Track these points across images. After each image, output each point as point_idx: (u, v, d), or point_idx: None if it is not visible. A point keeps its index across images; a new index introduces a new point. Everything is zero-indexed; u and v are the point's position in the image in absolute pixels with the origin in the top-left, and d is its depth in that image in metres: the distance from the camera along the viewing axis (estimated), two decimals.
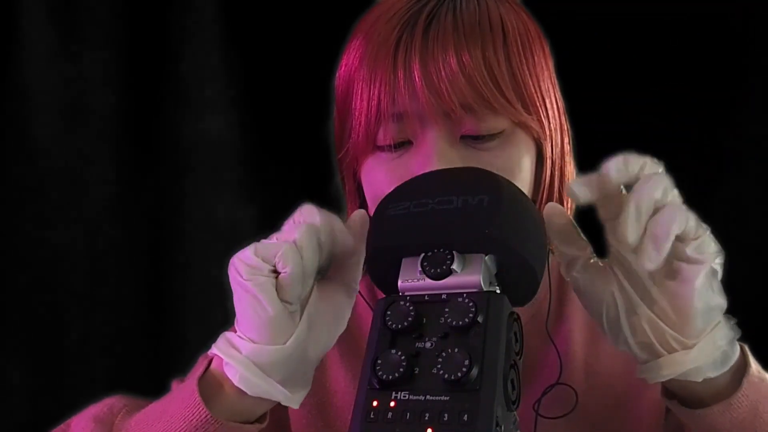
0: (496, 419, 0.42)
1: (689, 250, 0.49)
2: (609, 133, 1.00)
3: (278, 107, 1.20)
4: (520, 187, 0.55)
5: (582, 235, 0.55)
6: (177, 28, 1.20)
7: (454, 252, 0.48)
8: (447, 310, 0.46)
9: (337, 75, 0.67)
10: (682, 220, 0.48)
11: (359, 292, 0.59)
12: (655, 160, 0.51)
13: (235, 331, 0.53)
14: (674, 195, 0.50)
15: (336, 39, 0.68)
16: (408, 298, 0.48)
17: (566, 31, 0.80)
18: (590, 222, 0.54)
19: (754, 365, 0.56)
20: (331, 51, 0.69)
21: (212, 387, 0.54)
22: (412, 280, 0.50)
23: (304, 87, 1.03)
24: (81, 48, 1.18)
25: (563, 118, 0.67)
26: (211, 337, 0.54)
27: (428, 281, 0.49)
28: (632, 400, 0.70)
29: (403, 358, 0.45)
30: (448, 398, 0.43)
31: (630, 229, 0.48)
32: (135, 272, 1.22)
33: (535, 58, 0.63)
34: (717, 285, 0.50)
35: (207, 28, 1.20)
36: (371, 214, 0.56)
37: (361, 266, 0.56)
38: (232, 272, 0.51)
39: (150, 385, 0.67)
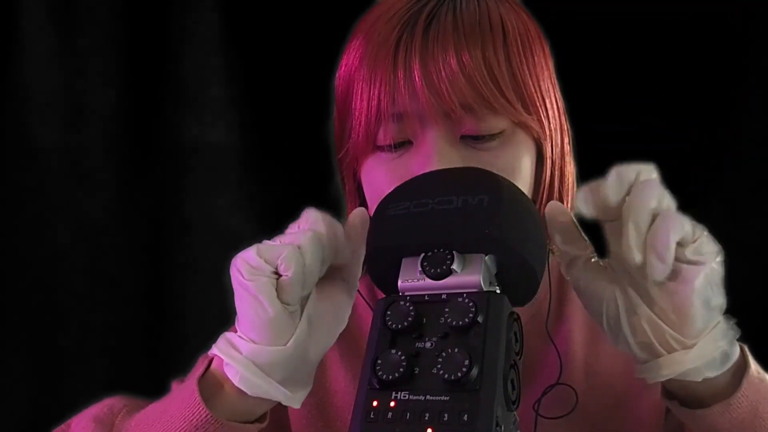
0: (496, 419, 0.42)
1: (689, 253, 0.49)
2: (609, 133, 1.01)
3: (278, 107, 1.20)
4: (520, 187, 0.55)
5: (583, 234, 0.55)
6: (177, 28, 1.20)
7: (454, 252, 0.48)
8: (447, 310, 0.46)
9: (337, 75, 0.67)
10: (679, 227, 0.48)
11: (359, 292, 0.59)
12: (648, 165, 0.52)
13: (236, 331, 0.53)
14: (668, 201, 0.50)
15: (336, 39, 0.68)
16: (408, 298, 0.48)
17: (566, 31, 0.80)
18: (590, 221, 0.55)
19: (754, 365, 0.56)
20: (331, 51, 0.69)
21: (212, 387, 0.54)
22: (412, 280, 0.50)
23: (304, 87, 1.03)
24: (81, 48, 1.18)
25: (563, 118, 0.67)
26: (211, 337, 0.54)
27: (428, 281, 0.49)
28: (632, 400, 0.70)
29: (403, 358, 0.45)
30: (448, 398, 0.43)
31: (634, 250, 0.49)
32: (135, 272, 1.22)
33: (535, 58, 0.63)
34: (717, 285, 0.50)
35: (207, 28, 1.20)
36: (371, 214, 0.56)
37: (361, 266, 0.56)
38: (233, 272, 0.51)
39: (150, 385, 0.67)
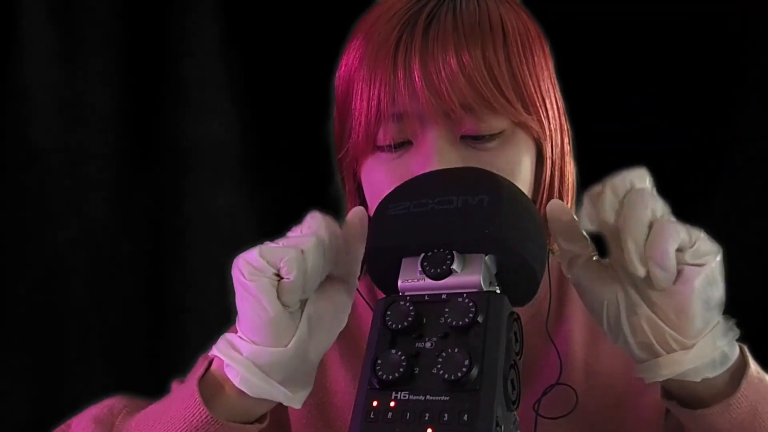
0: (496, 419, 0.42)
1: (688, 257, 0.50)
2: (609, 133, 1.01)
3: (278, 107, 1.20)
4: (520, 187, 0.55)
5: (584, 233, 0.55)
6: (177, 28, 1.20)
7: (454, 252, 0.48)
8: (447, 310, 0.46)
9: (337, 75, 0.67)
10: (675, 235, 0.49)
11: (359, 292, 0.59)
12: (640, 171, 0.52)
13: (236, 332, 0.53)
14: (662, 209, 0.51)
15: (336, 39, 0.68)
16: (408, 298, 0.48)
17: (566, 31, 0.80)
18: None
19: (754, 366, 0.56)
20: (331, 51, 0.69)
21: (212, 388, 0.54)
22: (412, 280, 0.50)
23: (304, 87, 1.03)
24: (81, 48, 1.18)
25: (563, 118, 0.67)
26: (211, 337, 0.54)
27: (428, 281, 0.49)
28: (632, 400, 0.70)
29: (403, 358, 0.45)
30: (448, 398, 0.43)
31: (636, 264, 0.49)
32: (135, 272, 1.22)
33: (535, 58, 0.63)
34: (717, 285, 0.51)
35: (207, 28, 1.20)
36: (371, 214, 0.56)
37: (361, 266, 0.56)
38: (235, 272, 0.51)
39: (150, 385, 0.67)
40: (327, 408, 0.72)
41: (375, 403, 0.45)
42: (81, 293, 1.20)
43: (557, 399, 0.65)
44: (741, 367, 0.55)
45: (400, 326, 0.47)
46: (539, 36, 0.65)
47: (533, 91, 0.62)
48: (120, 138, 1.20)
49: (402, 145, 0.62)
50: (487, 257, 0.49)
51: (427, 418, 0.43)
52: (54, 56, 1.18)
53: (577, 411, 0.64)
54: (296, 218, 0.57)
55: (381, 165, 0.63)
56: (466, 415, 0.42)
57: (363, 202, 0.68)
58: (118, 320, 1.22)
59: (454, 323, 0.45)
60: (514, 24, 0.62)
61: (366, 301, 0.72)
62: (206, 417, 0.53)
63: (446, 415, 0.43)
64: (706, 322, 0.50)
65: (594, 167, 0.64)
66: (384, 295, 0.52)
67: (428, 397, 0.44)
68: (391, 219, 0.52)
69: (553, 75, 0.66)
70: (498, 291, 0.49)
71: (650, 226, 0.49)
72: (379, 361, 0.46)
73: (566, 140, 0.68)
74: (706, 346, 0.50)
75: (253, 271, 0.50)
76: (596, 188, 0.53)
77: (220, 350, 0.53)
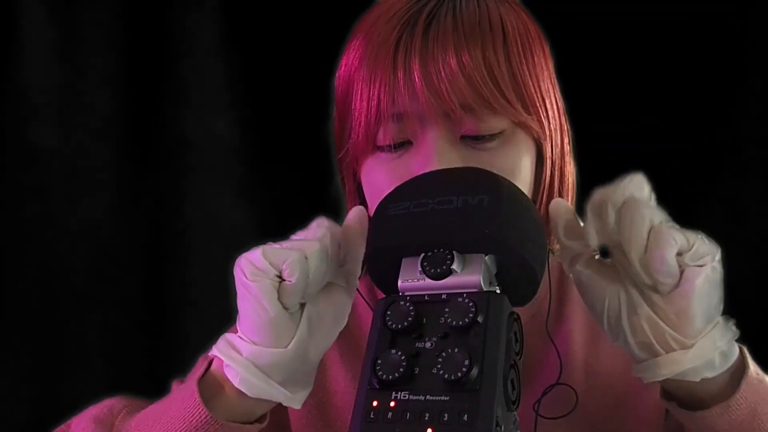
0: (496, 419, 0.42)
1: (688, 259, 0.50)
2: (609, 133, 1.01)
3: (278, 107, 1.20)
4: (520, 187, 0.55)
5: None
6: (177, 28, 1.20)
7: (454, 252, 0.48)
8: (447, 310, 0.46)
9: (337, 75, 0.67)
10: (673, 242, 0.49)
11: (359, 292, 0.59)
12: (635, 179, 0.53)
13: (236, 332, 0.53)
14: (659, 216, 0.51)
15: (336, 39, 0.68)
16: (408, 298, 0.48)
17: (566, 31, 0.80)
18: None
19: (753, 367, 0.56)
20: (331, 51, 0.69)
21: (212, 388, 0.54)
22: (412, 280, 0.50)
23: (304, 87, 1.03)
24: (81, 48, 1.18)
25: (563, 118, 0.67)
26: (211, 337, 0.54)
27: (428, 281, 0.49)
28: (632, 400, 0.70)
29: (403, 358, 0.45)
30: (448, 398, 0.43)
31: (641, 274, 0.50)
32: (135, 272, 1.22)
33: (535, 58, 0.63)
34: (716, 285, 0.51)
35: (207, 28, 1.20)
36: (371, 214, 0.56)
37: (361, 266, 0.56)
38: (237, 272, 0.51)
39: (150, 385, 0.67)
40: (327, 408, 0.72)
41: (375, 403, 0.45)
42: (81, 293, 1.20)
43: (557, 399, 0.65)
44: (740, 368, 0.55)
45: (400, 326, 0.47)
46: (539, 36, 0.65)
47: (533, 91, 0.62)
48: (120, 138, 1.20)
49: (402, 145, 0.62)
50: (487, 257, 0.49)
51: (427, 418, 0.43)
52: (54, 56, 1.18)
53: (577, 411, 0.64)
54: (296, 218, 0.57)
55: (381, 165, 0.63)
56: (466, 415, 0.42)
57: (363, 202, 0.68)
58: (118, 320, 1.22)
59: (454, 323, 0.45)
60: (514, 24, 0.62)
61: (366, 301, 0.72)
62: (206, 417, 0.53)
63: (446, 415, 0.43)
64: (706, 322, 0.51)
65: (594, 167, 0.64)
66: (384, 295, 0.52)
67: (428, 397, 0.44)
68: (391, 219, 0.52)
69: (553, 75, 0.66)
70: (498, 291, 0.49)
71: (649, 235, 0.50)
72: (379, 361, 0.46)
73: (566, 140, 0.68)
74: (706, 346, 0.50)
75: (255, 271, 0.50)
76: (597, 198, 0.53)
77: (220, 350, 0.53)
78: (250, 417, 0.56)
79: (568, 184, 0.68)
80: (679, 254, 0.50)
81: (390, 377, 0.45)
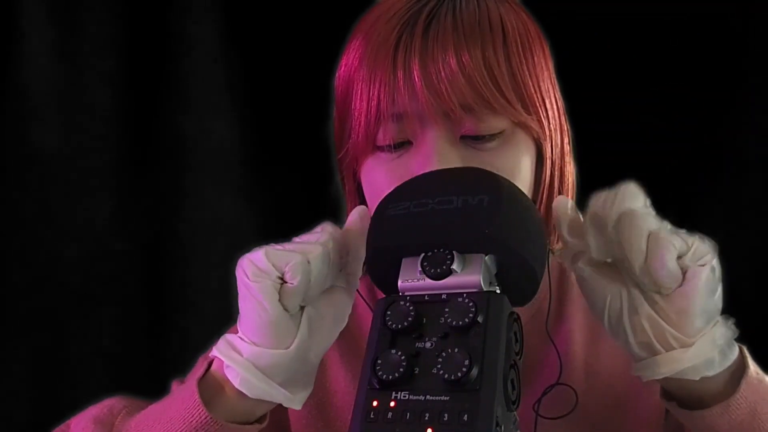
0: (496, 419, 0.42)
1: (688, 261, 0.50)
2: (609, 133, 1.01)
3: (278, 107, 1.20)
4: (520, 187, 0.55)
5: None
6: (177, 29, 1.20)
7: (454, 252, 0.48)
8: (447, 310, 0.46)
9: (336, 75, 0.67)
10: (672, 248, 0.50)
11: (359, 292, 0.59)
12: (629, 189, 0.53)
13: (236, 332, 0.53)
14: (656, 223, 0.51)
15: (336, 39, 0.68)
16: (408, 298, 0.48)
17: (566, 31, 0.80)
18: None
19: (753, 366, 0.56)
20: (331, 51, 0.69)
21: (212, 388, 0.54)
22: (412, 280, 0.50)
23: (304, 87, 1.03)
24: (81, 48, 1.18)
25: (563, 118, 0.67)
26: (211, 338, 0.54)
27: (428, 281, 0.49)
28: (632, 400, 0.70)
29: (403, 358, 0.45)
30: (448, 398, 0.43)
31: (646, 281, 0.51)
32: (135, 272, 1.22)
33: (535, 58, 0.63)
34: (716, 284, 0.51)
35: (207, 28, 1.20)
36: (371, 214, 0.56)
37: (361, 266, 0.56)
38: (239, 272, 0.51)
39: (150, 385, 0.67)
40: (327, 408, 0.72)
41: (375, 403, 0.45)
42: (81, 293, 1.20)
43: (557, 399, 0.65)
44: (740, 368, 0.55)
45: (400, 326, 0.47)
46: (539, 36, 0.65)
47: (533, 91, 0.62)
48: (120, 138, 1.20)
49: (402, 145, 0.62)
50: (487, 257, 0.49)
51: (427, 418, 0.43)
52: (54, 56, 1.18)
53: (577, 411, 0.64)
54: (296, 218, 0.57)
55: (381, 165, 0.63)
56: (466, 415, 0.42)
57: (363, 202, 0.68)
58: (118, 320, 1.21)
59: (454, 323, 0.45)
60: (514, 24, 0.62)
61: (366, 301, 0.72)
62: (206, 417, 0.53)
63: (446, 415, 0.43)
64: (706, 321, 0.51)
65: (594, 167, 0.64)
66: (384, 295, 0.52)
67: (428, 397, 0.44)
68: (391, 219, 0.52)
69: (553, 75, 0.66)
70: (498, 291, 0.49)
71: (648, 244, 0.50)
72: (379, 361, 0.45)
73: (566, 140, 0.68)
74: (705, 345, 0.50)
75: (257, 272, 0.50)
76: (593, 212, 0.53)
77: (220, 351, 0.53)
78: (250, 417, 0.56)
79: (568, 184, 0.68)
80: (679, 257, 0.50)
81: (390, 377, 0.45)
